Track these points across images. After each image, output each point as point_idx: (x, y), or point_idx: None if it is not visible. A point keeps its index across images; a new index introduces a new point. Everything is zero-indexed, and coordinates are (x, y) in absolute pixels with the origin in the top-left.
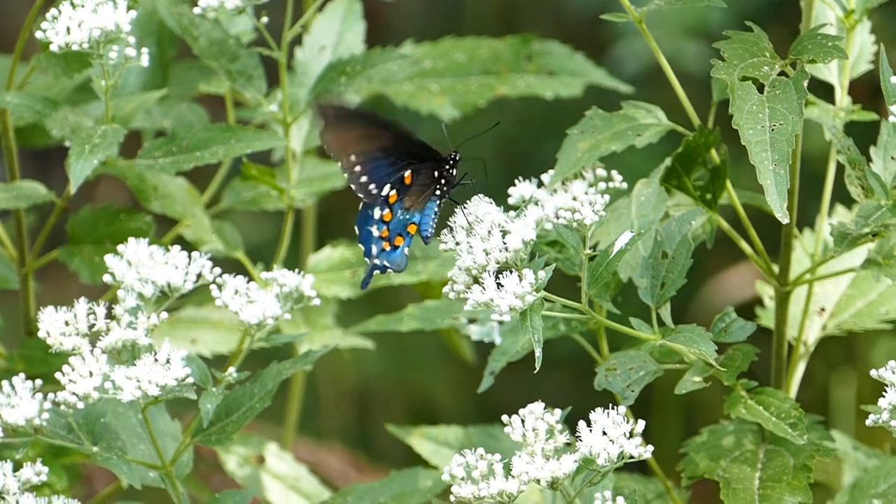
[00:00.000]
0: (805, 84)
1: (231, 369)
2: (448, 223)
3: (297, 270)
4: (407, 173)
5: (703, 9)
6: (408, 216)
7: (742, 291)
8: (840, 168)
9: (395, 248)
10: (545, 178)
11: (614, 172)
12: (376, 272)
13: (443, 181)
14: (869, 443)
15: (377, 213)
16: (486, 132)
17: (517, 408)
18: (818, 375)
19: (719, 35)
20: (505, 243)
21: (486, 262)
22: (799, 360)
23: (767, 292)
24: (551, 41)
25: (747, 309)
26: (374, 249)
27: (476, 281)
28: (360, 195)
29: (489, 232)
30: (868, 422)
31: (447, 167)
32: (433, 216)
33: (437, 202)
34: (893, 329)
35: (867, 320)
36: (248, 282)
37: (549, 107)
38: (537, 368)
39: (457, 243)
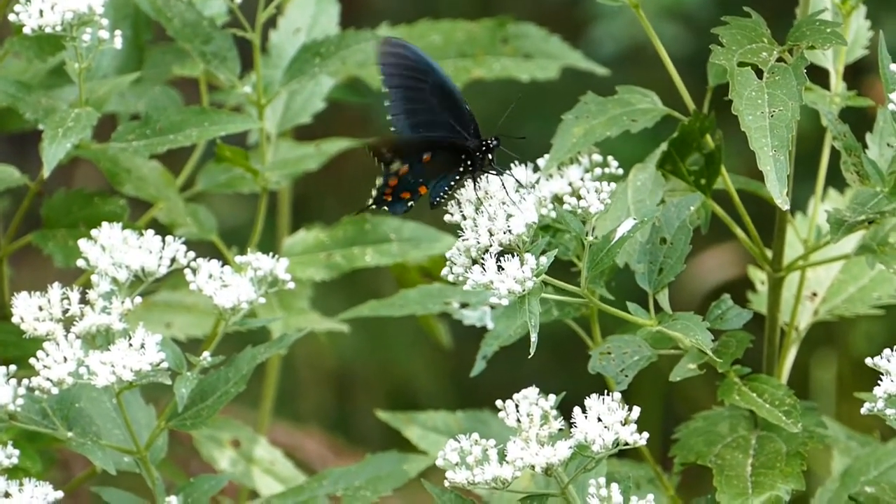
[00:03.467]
0: (804, 70)
1: (205, 354)
2: (455, 196)
3: (272, 253)
4: (426, 155)
5: None
6: (421, 179)
7: (721, 273)
8: (832, 152)
9: (400, 199)
10: (541, 162)
11: (610, 158)
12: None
13: (469, 162)
14: (849, 425)
15: (394, 167)
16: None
17: (496, 390)
18: (798, 357)
19: (696, 17)
20: (509, 226)
21: (490, 243)
22: (790, 346)
23: (759, 277)
24: (527, 24)
25: (726, 291)
26: (376, 193)
27: (475, 262)
28: (379, 154)
29: (496, 212)
30: (863, 410)
31: (479, 153)
32: (446, 188)
33: (458, 178)
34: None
35: (859, 306)
36: (222, 265)
37: (527, 89)
38: (532, 353)
39: (463, 217)
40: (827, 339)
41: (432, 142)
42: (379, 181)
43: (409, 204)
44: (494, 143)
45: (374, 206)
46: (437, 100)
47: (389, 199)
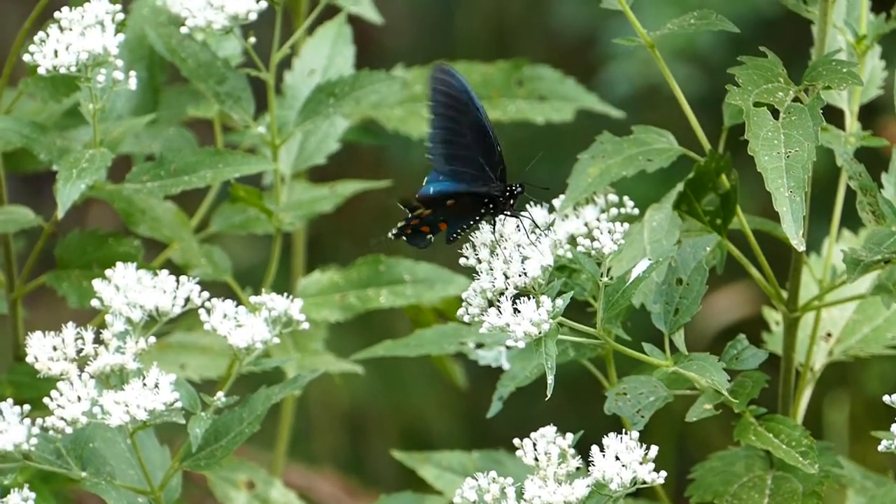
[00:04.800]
0: (820, 110)
1: (220, 394)
2: (470, 238)
3: (286, 294)
4: (450, 201)
5: (693, 32)
6: (442, 218)
7: (733, 312)
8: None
9: (420, 233)
10: (556, 202)
11: (626, 198)
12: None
13: (491, 206)
14: (862, 465)
15: (418, 212)
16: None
17: (509, 430)
18: (811, 397)
19: (709, 58)
20: (524, 269)
21: (505, 286)
22: (806, 386)
23: (774, 317)
24: (542, 66)
25: (738, 330)
26: (398, 229)
27: (491, 304)
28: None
29: (511, 255)
30: (881, 447)
31: (501, 199)
32: (465, 226)
33: (478, 218)
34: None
35: (874, 346)
36: (236, 306)
37: (540, 130)
38: (549, 395)
39: (478, 261)
40: (839, 380)
41: (461, 193)
42: (401, 223)
43: (429, 237)
44: (519, 189)
45: (393, 238)
46: (472, 135)
47: (410, 232)
